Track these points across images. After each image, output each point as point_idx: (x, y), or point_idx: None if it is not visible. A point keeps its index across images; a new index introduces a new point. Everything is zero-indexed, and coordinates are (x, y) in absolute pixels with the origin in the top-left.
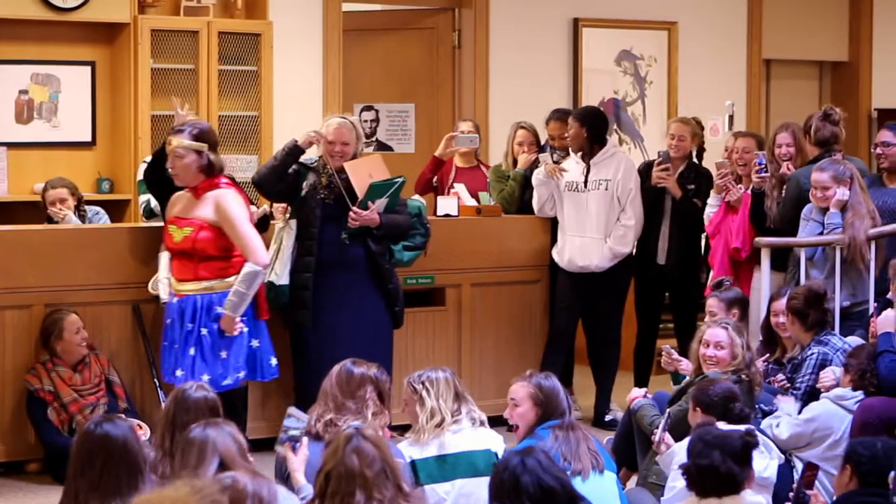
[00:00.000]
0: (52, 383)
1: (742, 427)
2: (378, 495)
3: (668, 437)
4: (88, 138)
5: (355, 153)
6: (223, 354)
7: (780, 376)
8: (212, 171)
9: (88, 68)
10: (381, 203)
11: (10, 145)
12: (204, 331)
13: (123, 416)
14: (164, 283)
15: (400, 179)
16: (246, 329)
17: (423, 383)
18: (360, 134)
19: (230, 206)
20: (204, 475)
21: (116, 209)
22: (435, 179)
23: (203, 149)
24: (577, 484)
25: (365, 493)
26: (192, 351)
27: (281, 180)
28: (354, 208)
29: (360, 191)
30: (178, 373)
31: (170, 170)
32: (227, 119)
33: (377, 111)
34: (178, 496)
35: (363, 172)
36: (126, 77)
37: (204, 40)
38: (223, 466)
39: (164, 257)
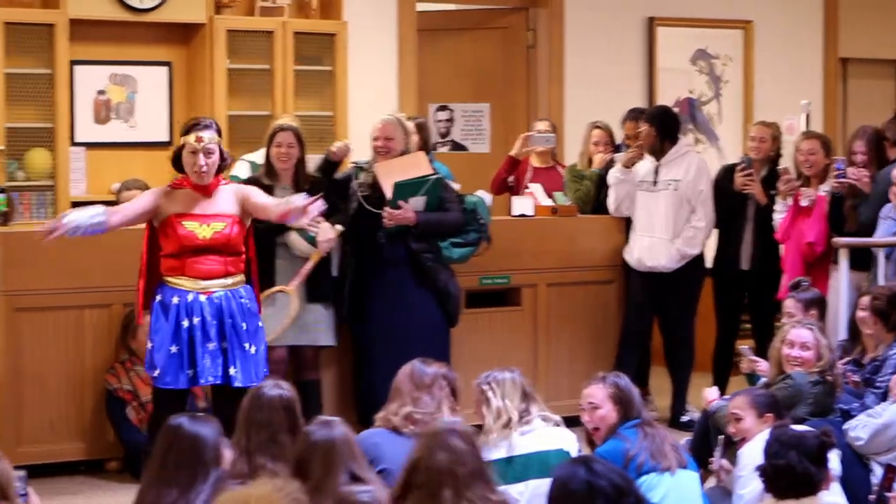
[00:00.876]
0: (131, 382)
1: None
2: (469, 494)
3: (725, 463)
4: (165, 138)
5: (404, 151)
6: (252, 350)
7: (846, 367)
8: (222, 168)
9: (165, 69)
10: (416, 201)
11: (89, 145)
12: (244, 325)
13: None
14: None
15: (432, 177)
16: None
17: (489, 384)
18: (408, 131)
19: (257, 193)
20: (335, 484)
21: None
22: (511, 179)
23: (221, 144)
24: (666, 479)
25: (453, 491)
26: (247, 346)
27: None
28: (387, 208)
29: (387, 190)
30: (232, 371)
31: (202, 165)
32: (302, 119)
33: (452, 111)
34: (261, 494)
35: (394, 172)
36: (202, 77)
37: (279, 40)
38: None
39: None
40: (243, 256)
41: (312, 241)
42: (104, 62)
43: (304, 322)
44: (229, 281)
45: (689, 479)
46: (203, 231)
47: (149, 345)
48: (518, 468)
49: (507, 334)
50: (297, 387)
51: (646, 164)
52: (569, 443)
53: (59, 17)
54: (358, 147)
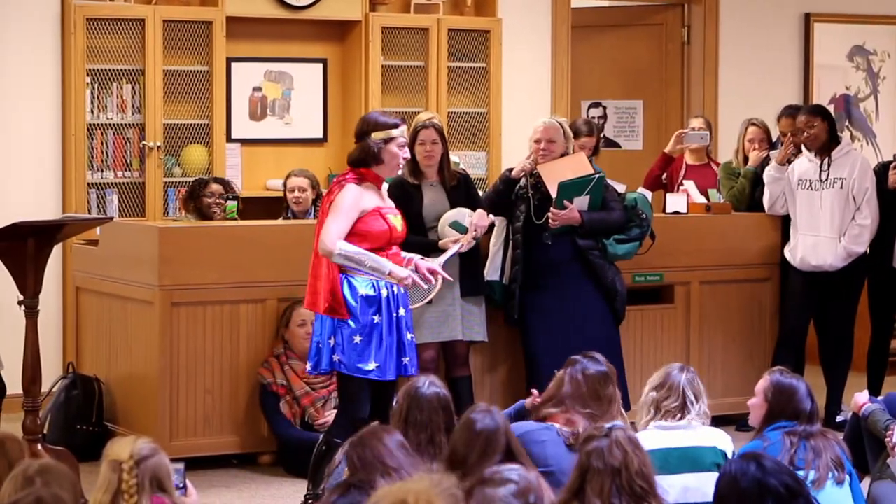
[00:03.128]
0: (285, 377)
1: None
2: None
3: None
4: (320, 135)
5: (564, 154)
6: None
7: None
8: None
9: (320, 66)
10: (581, 201)
11: (244, 142)
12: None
13: None
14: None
15: (596, 176)
16: None
17: (655, 375)
18: (568, 135)
19: None
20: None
21: None
22: (664, 176)
23: None
24: None
25: (617, 489)
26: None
27: (501, 205)
28: (553, 209)
29: (552, 191)
30: (406, 360)
31: (406, 158)
32: (456, 115)
33: (605, 108)
34: (419, 489)
35: (557, 173)
36: (357, 74)
37: (434, 37)
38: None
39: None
40: None
41: (464, 231)
42: (260, 59)
43: (458, 316)
44: None
45: (838, 498)
46: (398, 223)
47: (357, 339)
48: (673, 462)
49: (660, 332)
50: (448, 384)
51: (803, 162)
52: (723, 441)
53: (217, 14)
54: (512, 144)
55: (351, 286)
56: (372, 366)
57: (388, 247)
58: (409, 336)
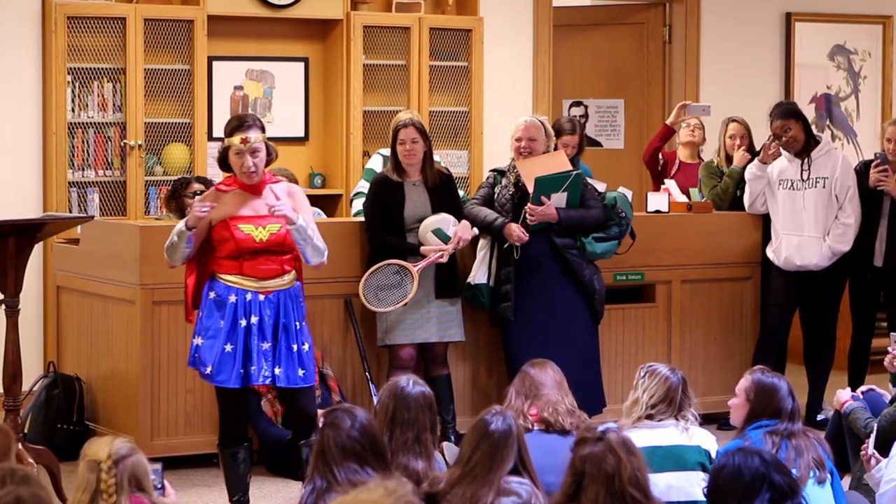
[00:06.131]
0: None
1: None
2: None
3: (877, 453)
4: (301, 133)
5: (545, 152)
6: (305, 348)
7: None
8: (269, 163)
9: (302, 64)
10: (558, 198)
11: None
12: (297, 325)
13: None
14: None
15: (573, 172)
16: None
17: (643, 373)
18: (549, 134)
19: (303, 196)
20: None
21: (328, 204)
22: (661, 161)
23: (266, 141)
24: None
25: (611, 497)
26: (305, 347)
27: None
28: (529, 205)
29: (529, 186)
30: (277, 370)
31: (249, 166)
32: (437, 114)
33: (586, 107)
34: (373, 498)
35: (535, 169)
36: (338, 73)
37: (415, 36)
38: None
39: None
40: (296, 253)
41: (446, 239)
42: (242, 58)
43: (433, 318)
44: (286, 279)
45: (821, 497)
46: (259, 233)
47: (198, 340)
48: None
49: (641, 331)
50: (428, 383)
51: (782, 161)
52: (707, 441)
53: (198, 13)
54: (493, 143)
55: (207, 289)
56: (208, 369)
57: (243, 256)
58: (265, 346)
